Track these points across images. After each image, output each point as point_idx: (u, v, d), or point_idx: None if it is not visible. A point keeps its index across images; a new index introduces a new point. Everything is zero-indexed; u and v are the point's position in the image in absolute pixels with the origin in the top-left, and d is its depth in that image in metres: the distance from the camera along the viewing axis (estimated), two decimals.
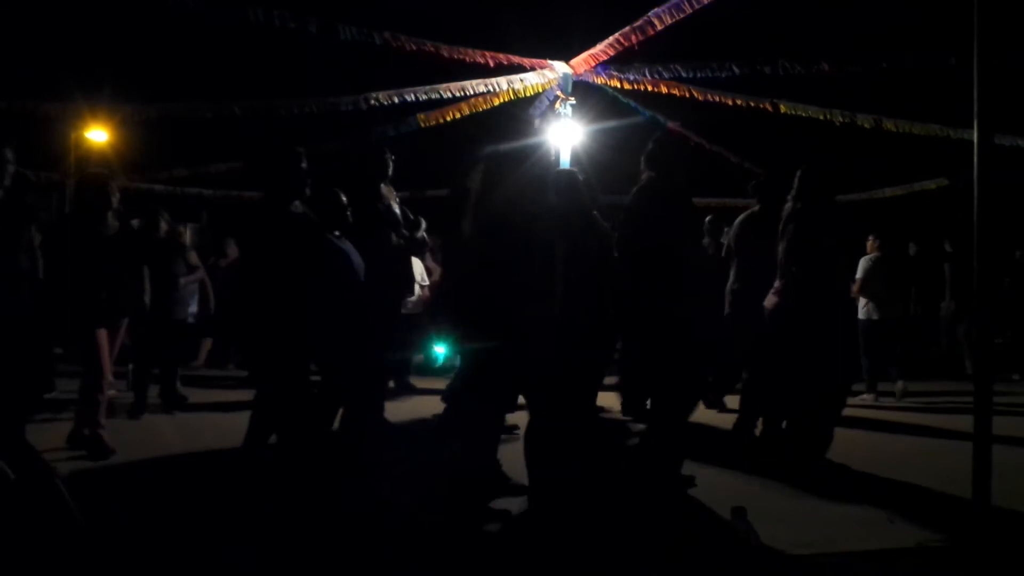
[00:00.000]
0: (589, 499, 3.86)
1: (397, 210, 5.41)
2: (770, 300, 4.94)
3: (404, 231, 5.44)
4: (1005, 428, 6.12)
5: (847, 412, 5.33)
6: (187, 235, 7.76)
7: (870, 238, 8.20)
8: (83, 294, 4.82)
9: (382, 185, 5.35)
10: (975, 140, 3.39)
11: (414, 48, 7.90)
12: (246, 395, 7.48)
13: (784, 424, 5.16)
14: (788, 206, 4.95)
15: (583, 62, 8.84)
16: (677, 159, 4.37)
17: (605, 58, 8.47)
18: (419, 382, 8.66)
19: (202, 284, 7.99)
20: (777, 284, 4.92)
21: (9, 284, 4.14)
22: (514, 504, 3.92)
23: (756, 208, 5.66)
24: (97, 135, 13.82)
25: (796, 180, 4.94)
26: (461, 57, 8.32)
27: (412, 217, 5.57)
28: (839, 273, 4.98)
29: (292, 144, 4.31)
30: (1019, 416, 6.78)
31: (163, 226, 6.62)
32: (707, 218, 7.55)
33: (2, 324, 4.04)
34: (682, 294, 4.09)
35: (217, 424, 6.03)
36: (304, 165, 4.20)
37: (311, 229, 4.28)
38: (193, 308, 7.57)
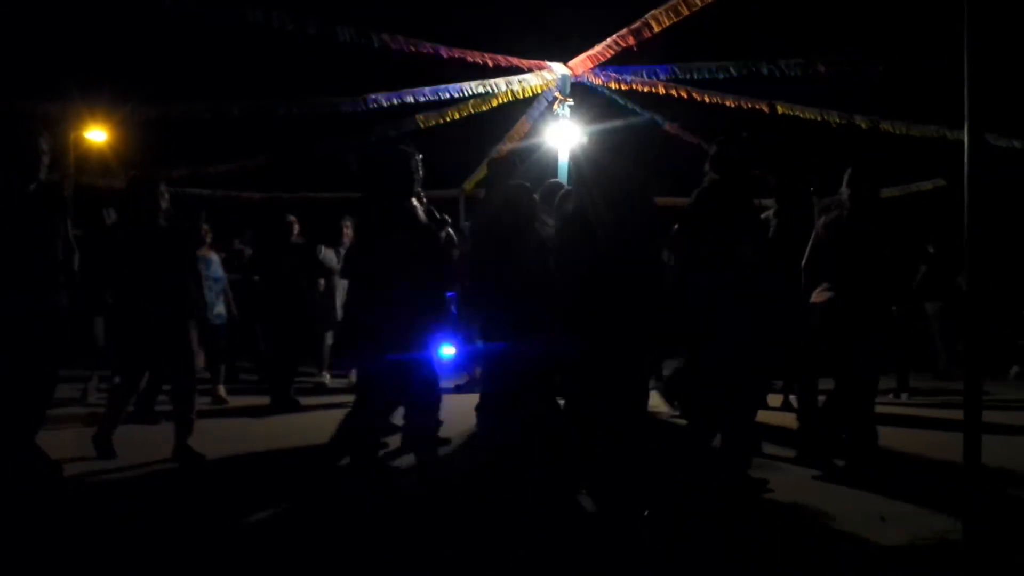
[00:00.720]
0: (595, 499, 3.92)
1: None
2: (820, 295, 4.95)
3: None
4: (1000, 421, 6.20)
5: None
6: (209, 236, 7.67)
7: None
8: (138, 300, 4.78)
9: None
10: (965, 140, 3.42)
11: (413, 49, 7.94)
12: (242, 401, 7.61)
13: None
14: (837, 209, 4.96)
15: (581, 63, 8.89)
16: (741, 161, 4.41)
17: (603, 59, 8.53)
18: None
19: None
20: (826, 284, 4.92)
21: (46, 276, 4.13)
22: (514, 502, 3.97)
23: (772, 211, 5.63)
24: (96, 135, 13.83)
25: (846, 181, 4.96)
26: (460, 58, 8.37)
27: (439, 216, 5.62)
28: (884, 272, 4.94)
29: (407, 147, 4.53)
30: (1010, 410, 6.94)
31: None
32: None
33: (32, 318, 4.04)
34: (745, 295, 4.13)
35: (209, 429, 5.99)
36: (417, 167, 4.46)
37: (430, 229, 4.56)
38: (220, 309, 7.43)
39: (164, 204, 4.93)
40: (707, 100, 9.26)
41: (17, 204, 4.05)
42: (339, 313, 8.43)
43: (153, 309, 4.76)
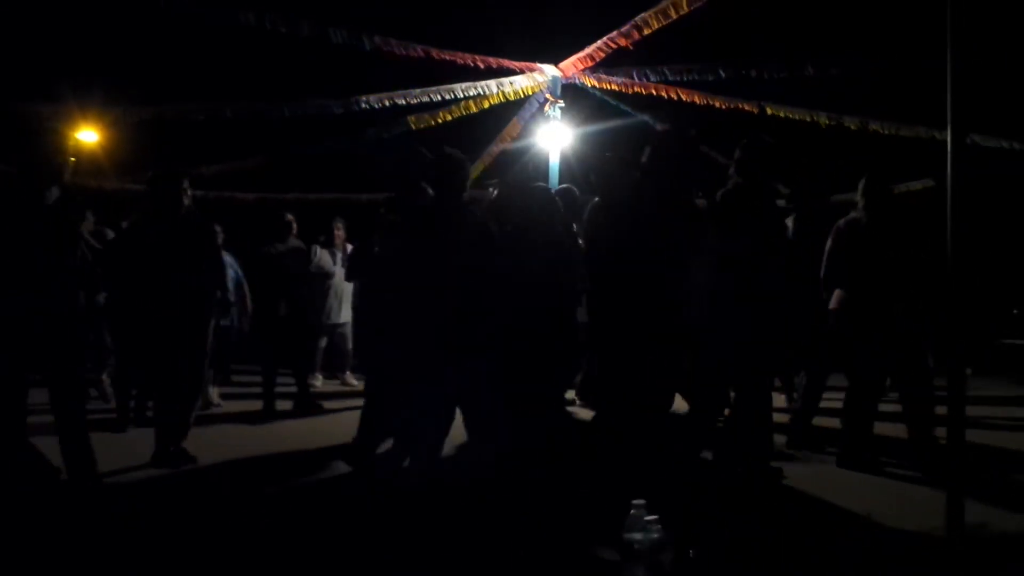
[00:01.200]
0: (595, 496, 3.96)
1: None
2: (837, 300, 5.00)
3: None
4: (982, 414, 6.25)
5: (834, 404, 5.45)
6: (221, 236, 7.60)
7: None
8: (159, 298, 4.71)
9: None
10: (948, 141, 3.47)
11: (404, 52, 7.97)
12: (235, 405, 7.59)
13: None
14: (854, 215, 5.02)
15: (572, 65, 8.93)
16: (764, 166, 4.47)
17: (594, 62, 8.56)
18: None
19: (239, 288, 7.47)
20: (839, 293, 4.98)
21: (65, 280, 4.11)
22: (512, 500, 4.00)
23: (792, 216, 5.65)
24: (88, 136, 13.79)
25: (860, 189, 5.00)
26: (451, 60, 8.40)
27: None
28: (897, 277, 4.98)
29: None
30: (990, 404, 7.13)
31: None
32: None
33: (49, 320, 4.03)
34: (768, 297, 4.19)
35: (204, 433, 5.84)
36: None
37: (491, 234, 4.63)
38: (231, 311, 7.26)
39: (187, 201, 4.87)
40: (697, 101, 9.30)
41: (38, 207, 4.00)
42: (333, 316, 8.44)
43: (172, 307, 4.71)
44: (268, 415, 6.80)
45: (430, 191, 4.73)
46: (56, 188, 4.08)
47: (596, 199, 5.06)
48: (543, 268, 4.75)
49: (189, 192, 4.92)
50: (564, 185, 6.65)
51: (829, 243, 4.98)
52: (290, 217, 7.40)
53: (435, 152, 4.63)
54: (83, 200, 4.54)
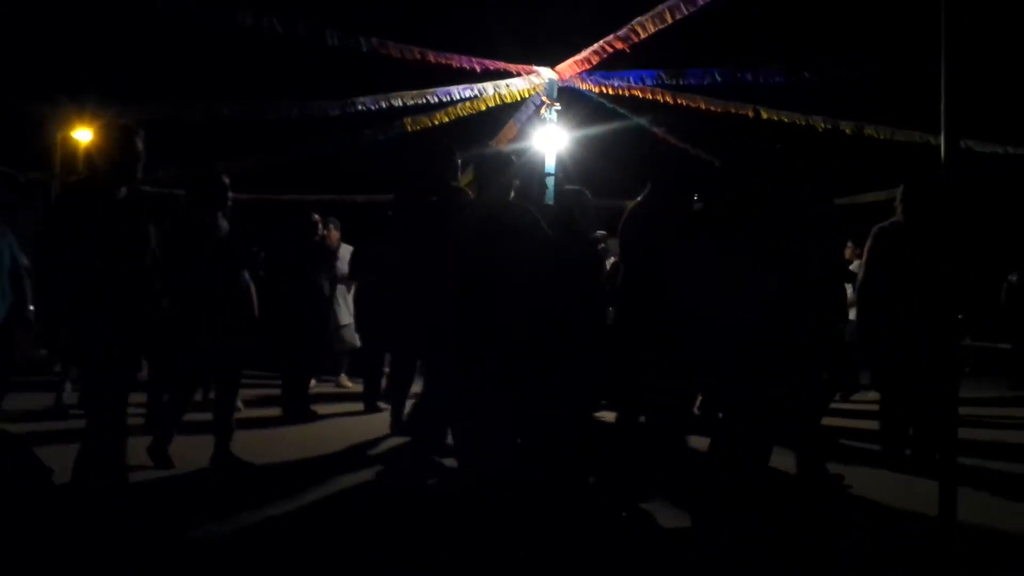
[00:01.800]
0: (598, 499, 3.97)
1: None
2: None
3: None
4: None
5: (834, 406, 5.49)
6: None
7: (849, 245, 7.77)
8: (197, 302, 4.65)
9: None
10: (942, 145, 3.49)
11: (401, 54, 7.97)
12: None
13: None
14: (896, 219, 5.06)
15: (569, 68, 8.95)
16: (777, 173, 4.53)
17: (590, 65, 8.59)
18: None
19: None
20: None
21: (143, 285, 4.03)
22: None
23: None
24: (83, 135, 13.78)
25: (900, 194, 5.04)
26: (448, 62, 8.41)
27: None
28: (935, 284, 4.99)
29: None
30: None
31: None
32: None
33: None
34: (768, 299, 4.23)
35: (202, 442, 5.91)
36: None
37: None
38: None
39: (228, 201, 4.82)
40: (692, 105, 9.33)
41: (111, 207, 3.92)
42: (332, 319, 8.40)
43: (216, 310, 4.67)
44: (290, 412, 6.80)
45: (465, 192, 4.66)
46: (125, 188, 4.01)
47: (640, 198, 5.04)
48: (536, 271, 4.75)
49: (230, 193, 4.88)
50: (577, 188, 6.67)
51: (869, 243, 5.06)
52: (316, 217, 7.33)
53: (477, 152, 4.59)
54: (152, 199, 4.50)
